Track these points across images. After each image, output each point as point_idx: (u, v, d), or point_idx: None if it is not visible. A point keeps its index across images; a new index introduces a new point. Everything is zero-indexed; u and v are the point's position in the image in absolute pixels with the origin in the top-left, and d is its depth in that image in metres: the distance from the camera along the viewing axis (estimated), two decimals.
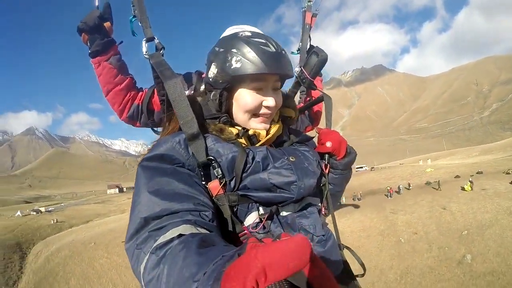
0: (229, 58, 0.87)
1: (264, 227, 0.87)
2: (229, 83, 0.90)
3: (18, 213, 44.48)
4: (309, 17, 1.81)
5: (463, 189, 19.06)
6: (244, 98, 0.91)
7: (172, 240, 0.59)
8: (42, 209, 55.03)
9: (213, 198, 0.83)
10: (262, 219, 0.87)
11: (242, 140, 0.93)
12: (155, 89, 1.44)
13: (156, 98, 1.47)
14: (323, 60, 1.27)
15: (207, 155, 0.84)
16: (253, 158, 0.88)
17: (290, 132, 1.13)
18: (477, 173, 23.36)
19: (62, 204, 77.67)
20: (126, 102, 1.47)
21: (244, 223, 0.86)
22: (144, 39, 1.25)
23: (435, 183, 22.21)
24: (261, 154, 0.90)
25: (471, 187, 18.65)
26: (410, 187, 23.40)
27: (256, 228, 0.85)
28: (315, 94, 1.72)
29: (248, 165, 0.87)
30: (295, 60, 1.70)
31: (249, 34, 0.91)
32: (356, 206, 21.46)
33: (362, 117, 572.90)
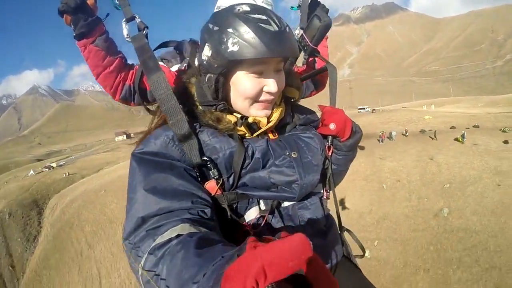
0: (225, 39, 0.76)
1: (266, 223, 0.86)
2: (226, 68, 0.80)
3: (31, 172, 45.45)
4: None
5: (457, 140, 18.76)
6: (243, 84, 0.82)
7: (170, 240, 0.58)
8: (54, 164, 56.39)
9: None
10: (264, 216, 0.85)
11: (242, 129, 0.87)
12: None
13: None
14: (326, 26, 1.18)
15: (202, 155, 0.79)
16: (253, 154, 0.83)
17: (294, 111, 1.03)
18: (473, 126, 23.06)
19: (73, 156, 80.00)
20: (117, 84, 1.39)
21: (245, 217, 0.85)
22: (124, 19, 1.14)
23: (430, 131, 21.61)
24: (261, 149, 0.85)
25: (462, 140, 18.37)
26: (407, 134, 22.87)
27: (257, 228, 0.84)
28: (323, 52, 1.52)
29: (247, 161, 0.82)
30: (292, 16, 1.51)
31: (248, 9, 0.78)
32: None
33: (371, 56, 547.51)
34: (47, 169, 50.30)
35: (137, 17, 1.15)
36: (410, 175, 16.29)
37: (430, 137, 21.36)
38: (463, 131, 19.64)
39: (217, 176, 0.80)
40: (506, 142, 17.40)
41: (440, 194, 14.27)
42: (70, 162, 60.24)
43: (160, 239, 0.59)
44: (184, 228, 0.61)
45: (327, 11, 1.26)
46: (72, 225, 20.97)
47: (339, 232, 1.07)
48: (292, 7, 1.53)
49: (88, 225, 20.32)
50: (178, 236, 0.59)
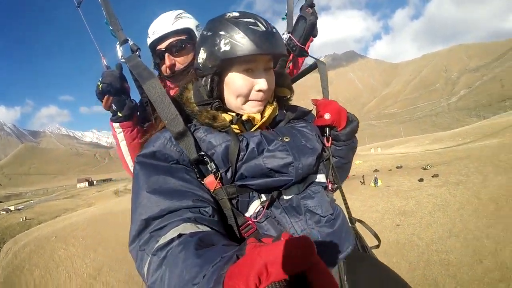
0: (218, 41, 0.82)
1: (267, 214, 0.84)
2: (219, 68, 0.84)
3: None
4: None
5: (367, 184, 17.43)
6: (236, 82, 0.86)
7: (172, 240, 0.59)
8: (12, 208, 55.19)
9: (211, 192, 0.81)
10: (263, 206, 0.84)
11: (236, 126, 0.89)
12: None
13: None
14: (312, 24, 1.25)
15: (198, 151, 0.81)
16: (247, 145, 0.84)
17: (287, 109, 1.05)
18: (396, 167, 21.29)
19: (32, 201, 76.91)
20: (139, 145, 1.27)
21: (247, 213, 0.84)
22: (118, 42, 1.21)
23: (359, 176, 19.65)
24: (255, 139, 0.86)
25: (375, 185, 16.97)
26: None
27: (258, 217, 0.83)
28: (293, 66, 1.59)
29: (242, 153, 0.83)
30: (284, 27, 1.52)
31: (237, 14, 0.85)
32: None
33: None
34: (4, 212, 48.95)
35: (129, 40, 1.22)
36: None
37: (360, 181, 20.99)
38: (374, 176, 18.77)
39: (215, 169, 0.81)
40: (421, 180, 15.77)
41: None
42: (29, 206, 58.46)
43: (163, 240, 0.61)
44: (186, 227, 0.63)
45: (313, 5, 1.34)
46: (23, 269, 20.68)
47: (350, 224, 1.04)
48: (283, 18, 1.57)
49: (37, 269, 20.20)
50: (180, 235, 0.60)
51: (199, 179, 0.81)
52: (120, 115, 1.27)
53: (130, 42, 1.22)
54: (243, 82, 0.86)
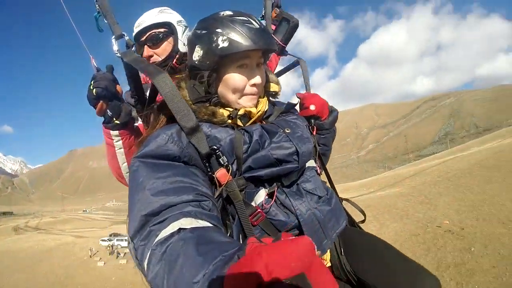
0: (215, 38, 0.86)
1: (275, 202, 0.89)
2: (217, 64, 0.89)
3: None
4: None
5: None
6: (232, 78, 0.91)
7: (172, 235, 0.58)
8: None
9: (221, 186, 0.82)
10: (270, 195, 0.88)
11: (234, 120, 0.94)
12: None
13: (140, 126, 1.35)
14: (295, 26, 1.35)
15: (210, 145, 0.83)
16: (251, 138, 0.88)
17: (274, 104, 1.12)
18: None
19: None
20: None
21: (254, 203, 0.87)
22: (113, 36, 1.17)
23: None
24: (257, 132, 0.90)
25: None
26: None
27: (268, 204, 0.87)
28: (270, 64, 1.65)
29: (246, 146, 0.86)
30: None
31: (231, 13, 0.90)
32: None
33: None
34: None
35: (125, 34, 1.20)
36: None
37: None
38: None
39: (226, 163, 0.83)
40: None
41: None
42: None
43: (163, 234, 0.60)
44: (186, 222, 0.62)
45: (279, 6, 1.45)
46: None
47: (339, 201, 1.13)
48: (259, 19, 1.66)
49: None
50: (180, 230, 0.59)
51: (210, 173, 0.83)
52: (118, 122, 1.18)
53: (126, 37, 1.21)
54: (239, 77, 0.92)
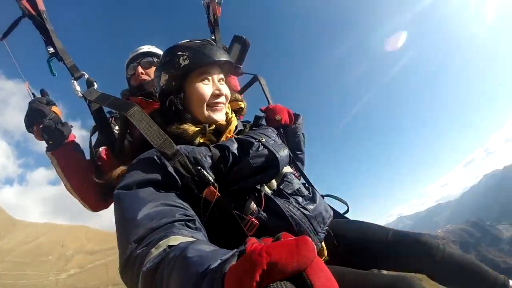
0: (177, 60, 1.00)
1: (265, 208, 0.91)
2: (181, 81, 1.00)
3: None
4: (214, 8, 1.77)
5: None
6: (199, 90, 1.01)
7: (161, 253, 0.58)
8: None
9: (211, 204, 0.83)
10: (260, 202, 0.91)
11: (207, 137, 1.00)
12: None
13: (102, 152, 1.30)
14: (246, 46, 1.51)
15: (193, 166, 0.85)
16: (229, 152, 0.92)
17: (242, 120, 1.25)
18: None
19: None
20: (96, 186, 1.22)
21: (245, 213, 0.89)
22: (72, 78, 1.17)
23: None
24: (234, 145, 0.95)
25: None
26: None
27: (258, 211, 0.90)
28: (233, 84, 1.74)
29: (226, 160, 0.91)
30: None
31: (188, 40, 1.07)
32: None
33: None
34: None
35: (85, 73, 1.22)
36: None
37: None
38: None
39: (211, 181, 0.85)
40: None
41: None
42: None
43: (154, 252, 0.59)
44: (175, 239, 0.62)
45: (242, 36, 1.55)
46: None
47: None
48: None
49: None
50: (170, 247, 0.59)
51: (197, 193, 0.84)
52: (50, 142, 1.19)
53: (85, 76, 1.21)
54: (205, 89, 1.02)
